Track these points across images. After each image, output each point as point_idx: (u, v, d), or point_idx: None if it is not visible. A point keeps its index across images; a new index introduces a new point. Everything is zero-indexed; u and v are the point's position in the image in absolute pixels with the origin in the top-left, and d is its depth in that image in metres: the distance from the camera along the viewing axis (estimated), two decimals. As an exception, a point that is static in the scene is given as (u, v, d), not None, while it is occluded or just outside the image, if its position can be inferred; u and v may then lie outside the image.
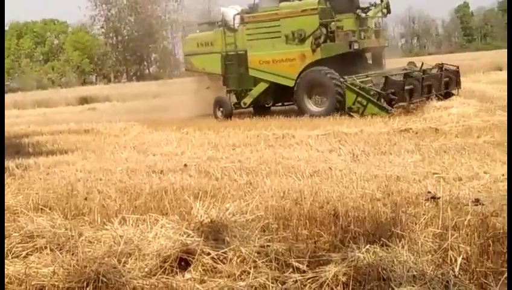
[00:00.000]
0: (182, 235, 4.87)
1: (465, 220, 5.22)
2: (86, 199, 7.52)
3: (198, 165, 9.83)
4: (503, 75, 24.18)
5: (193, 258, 4.60)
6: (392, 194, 6.77)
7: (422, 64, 19.29)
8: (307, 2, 18.56)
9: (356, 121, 15.03)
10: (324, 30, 18.24)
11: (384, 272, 4.11)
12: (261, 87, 19.42)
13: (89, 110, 31.73)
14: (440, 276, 4.06)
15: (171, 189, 7.68)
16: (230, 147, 12.11)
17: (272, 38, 18.89)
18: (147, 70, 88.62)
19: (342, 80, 17.21)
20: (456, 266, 4.24)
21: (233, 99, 20.49)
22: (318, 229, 5.43)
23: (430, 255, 4.43)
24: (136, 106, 29.60)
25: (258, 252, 4.62)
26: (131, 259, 4.69)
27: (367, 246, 4.48)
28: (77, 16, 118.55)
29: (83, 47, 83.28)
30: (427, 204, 6.13)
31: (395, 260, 4.25)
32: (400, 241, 4.70)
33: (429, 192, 6.66)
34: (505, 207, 5.90)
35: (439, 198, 6.25)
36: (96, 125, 17.98)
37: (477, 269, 4.25)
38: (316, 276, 4.22)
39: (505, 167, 7.99)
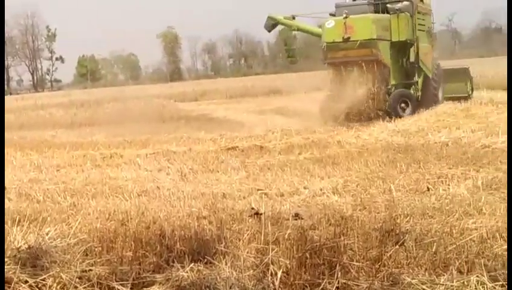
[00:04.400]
0: (-3, 264, 4.57)
1: (285, 234, 5.44)
2: None
3: (18, 188, 9.30)
4: (323, 94, 25.61)
5: (9, 287, 4.34)
6: (217, 212, 6.89)
7: None
8: None
9: (185, 140, 15.14)
10: None
11: (207, 289, 4.16)
12: None
13: None
14: (261, 290, 4.19)
15: (-13, 214, 7.19)
16: (55, 167, 11.63)
17: None
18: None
19: None
20: (276, 280, 4.40)
21: None
22: (144, 250, 5.36)
23: (252, 270, 4.55)
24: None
25: (80, 277, 4.46)
26: None
27: (191, 265, 4.51)
28: None
29: None
30: (250, 220, 6.32)
31: (218, 277, 4.32)
32: (223, 258, 4.78)
33: (253, 208, 6.87)
34: (323, 220, 6.26)
35: (261, 214, 6.46)
36: None
37: (295, 282, 4.43)
38: (140, 298, 4.17)
39: (323, 182, 8.48)
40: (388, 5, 19.16)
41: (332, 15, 19.44)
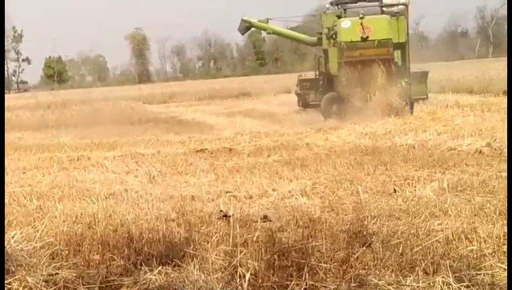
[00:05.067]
0: (-40, 269, 4.50)
1: (254, 236, 5.46)
2: None
3: (-17, 191, 9.16)
4: (292, 97, 25.79)
5: (-27, 292, 4.28)
6: (186, 214, 6.88)
7: None
8: None
9: (153, 142, 15.06)
10: None
11: (175, 292, 4.15)
12: None
13: None
14: (229, 292, 4.19)
15: (-50, 218, 7.06)
16: (21, 170, 11.46)
17: None
18: None
19: None
20: (244, 282, 4.41)
21: None
22: (111, 253, 5.32)
23: (220, 273, 4.56)
24: None
25: (46, 281, 4.42)
26: None
27: (159, 268, 4.50)
28: None
29: None
30: (219, 222, 6.32)
31: (186, 280, 4.31)
32: (192, 261, 4.78)
33: (221, 210, 6.86)
34: (291, 222, 6.29)
35: (230, 216, 6.47)
36: None
37: (264, 284, 4.45)
38: (107, 302, 4.14)
39: (292, 184, 8.52)
40: (384, 8, 19.94)
41: (338, 16, 20.04)
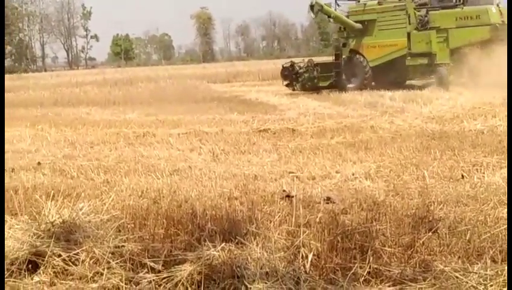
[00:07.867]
0: (31, 237, 4.65)
1: (317, 217, 5.43)
2: None
3: (52, 164, 9.46)
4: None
5: (43, 260, 4.41)
6: (249, 193, 6.90)
7: None
8: None
9: (217, 121, 15.17)
10: None
11: (238, 269, 4.16)
12: None
13: None
14: (292, 272, 4.18)
15: (22, 188, 7.32)
16: (88, 144, 11.78)
17: None
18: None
19: None
20: (307, 263, 4.39)
21: None
22: (175, 228, 5.40)
23: (282, 252, 4.55)
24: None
25: (112, 253, 4.51)
26: (-26, 263, 4.40)
27: (222, 244, 4.52)
28: None
29: None
30: (281, 202, 6.32)
31: (249, 257, 4.32)
32: (254, 239, 4.78)
33: (284, 190, 6.86)
34: (355, 205, 6.22)
35: (293, 196, 6.45)
36: None
37: (326, 265, 4.42)
38: (171, 275, 4.19)
39: (355, 167, 8.42)
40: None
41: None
